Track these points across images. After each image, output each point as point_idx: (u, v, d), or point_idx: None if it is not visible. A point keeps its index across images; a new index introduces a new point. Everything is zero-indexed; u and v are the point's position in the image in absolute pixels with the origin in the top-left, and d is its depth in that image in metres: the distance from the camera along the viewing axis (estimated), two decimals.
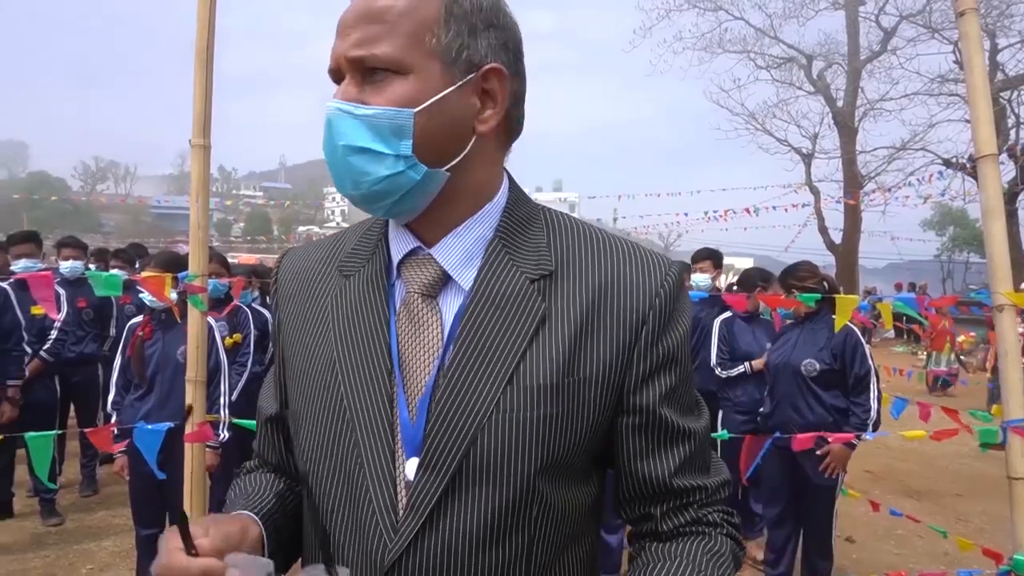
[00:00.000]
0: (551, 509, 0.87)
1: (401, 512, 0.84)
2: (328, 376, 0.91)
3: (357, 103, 0.84)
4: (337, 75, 0.88)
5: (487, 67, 0.88)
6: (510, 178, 0.97)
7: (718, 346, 4.68)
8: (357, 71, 0.85)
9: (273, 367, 1.09)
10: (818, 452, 3.59)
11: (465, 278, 0.90)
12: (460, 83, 0.86)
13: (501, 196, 0.94)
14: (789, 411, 3.79)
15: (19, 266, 4.94)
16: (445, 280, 0.91)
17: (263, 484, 1.05)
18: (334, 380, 0.91)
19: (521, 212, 0.94)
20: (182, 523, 0.79)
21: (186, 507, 2.74)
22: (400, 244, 0.94)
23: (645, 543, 0.96)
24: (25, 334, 4.64)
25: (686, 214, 19.39)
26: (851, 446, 3.58)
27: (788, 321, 4.03)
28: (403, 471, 0.85)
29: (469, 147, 0.88)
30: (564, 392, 0.85)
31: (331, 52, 0.87)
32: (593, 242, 0.93)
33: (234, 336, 4.70)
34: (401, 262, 0.93)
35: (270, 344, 5.75)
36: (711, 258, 5.37)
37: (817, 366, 3.70)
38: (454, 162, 0.88)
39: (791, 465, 3.77)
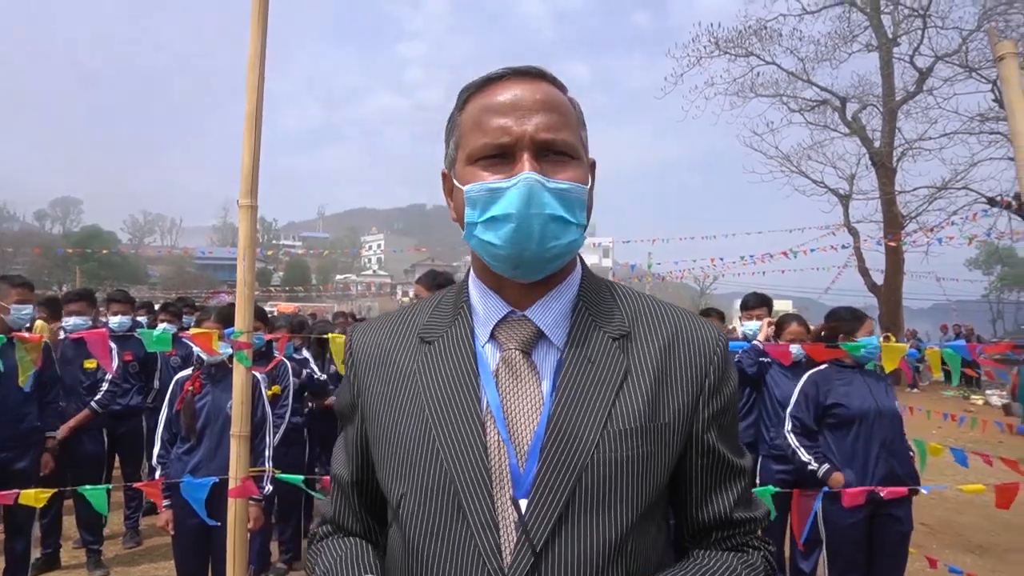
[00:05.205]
0: (643, 544, 0.97)
1: (507, 556, 0.91)
2: (421, 431, 0.99)
3: (548, 178, 0.96)
4: (499, 149, 0.97)
5: (592, 159, 1.08)
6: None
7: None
8: (536, 150, 0.97)
9: (343, 433, 1.16)
10: None
11: (557, 336, 1.02)
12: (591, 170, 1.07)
13: (578, 266, 1.10)
14: (894, 460, 3.59)
15: (70, 323, 5.13)
16: (538, 338, 1.02)
17: (364, 550, 1.09)
18: (428, 435, 0.98)
19: (593, 281, 1.10)
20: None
21: (228, 560, 2.76)
22: (492, 308, 1.05)
23: (692, 550, 1.08)
24: (62, 391, 4.80)
25: (722, 258, 19.22)
26: None
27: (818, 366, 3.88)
28: (511, 513, 0.93)
29: None
30: (649, 436, 0.97)
31: (495, 128, 0.97)
32: (652, 308, 1.08)
33: (273, 388, 4.77)
34: (497, 324, 1.04)
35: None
36: (767, 304, 5.23)
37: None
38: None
39: (869, 524, 3.58)
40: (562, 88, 1.05)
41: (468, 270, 1.13)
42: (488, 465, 0.94)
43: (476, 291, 1.08)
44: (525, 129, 0.96)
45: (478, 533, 0.92)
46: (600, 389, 0.97)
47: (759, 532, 1.08)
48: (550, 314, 1.02)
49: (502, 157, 0.97)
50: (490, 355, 1.02)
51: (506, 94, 0.99)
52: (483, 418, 0.97)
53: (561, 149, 0.98)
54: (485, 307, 1.05)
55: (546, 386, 0.99)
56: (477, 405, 0.98)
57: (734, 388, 1.06)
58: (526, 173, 0.94)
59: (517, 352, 1.00)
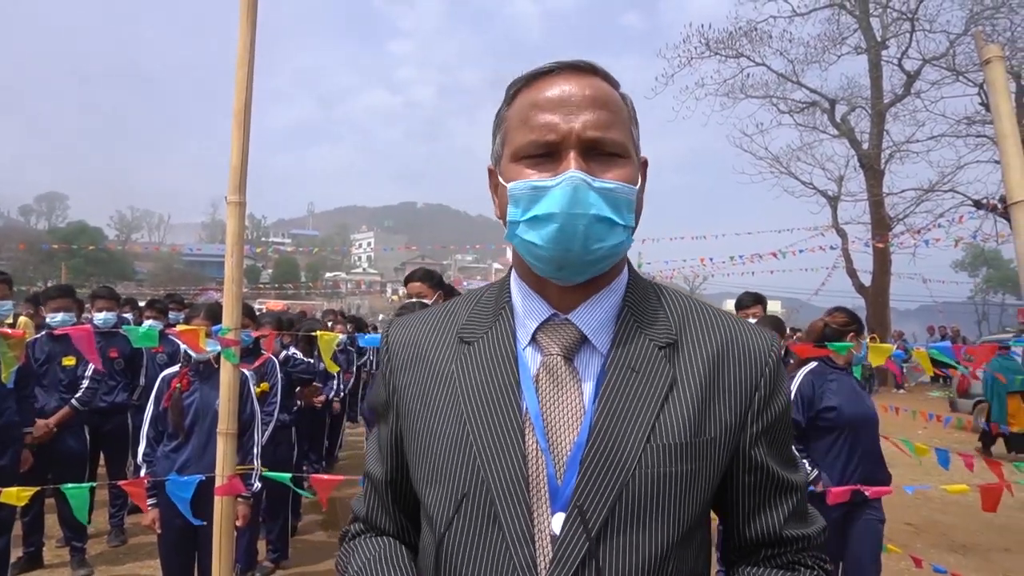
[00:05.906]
0: (684, 563, 0.93)
1: (542, 571, 0.88)
2: (459, 435, 0.96)
3: (595, 177, 0.92)
4: (546, 147, 0.94)
5: (645, 158, 1.04)
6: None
7: None
8: (583, 148, 0.93)
9: (376, 431, 1.14)
10: None
11: (601, 342, 0.98)
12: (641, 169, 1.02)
13: (624, 269, 1.05)
14: (874, 465, 3.62)
15: (56, 320, 5.08)
16: (581, 343, 0.98)
17: (398, 551, 1.06)
18: (465, 439, 0.95)
19: (641, 285, 1.05)
20: None
21: (214, 559, 2.74)
22: (534, 310, 1.01)
23: (739, 567, 1.04)
24: (38, 388, 4.78)
25: (711, 259, 19.28)
26: None
27: (812, 365, 3.85)
28: (548, 527, 0.89)
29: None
30: (695, 451, 0.93)
31: (542, 125, 0.94)
32: (702, 315, 1.03)
33: (262, 385, 4.75)
34: (539, 327, 1.00)
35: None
36: (761, 303, 5.31)
37: None
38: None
39: (842, 526, 3.57)
40: (614, 84, 1.01)
41: (509, 269, 1.09)
42: (526, 474, 0.91)
43: (518, 292, 1.04)
44: (572, 126, 0.92)
45: (513, 545, 0.88)
46: (644, 400, 0.93)
47: (814, 550, 1.03)
48: (594, 318, 0.98)
49: (548, 155, 0.94)
50: (531, 359, 0.99)
51: (554, 89, 0.95)
52: (522, 425, 0.93)
53: (610, 148, 0.94)
54: (527, 309, 1.01)
55: (588, 395, 0.95)
56: (517, 411, 0.94)
57: (786, 400, 1.02)
58: (571, 172, 0.90)
59: (559, 357, 0.97)
